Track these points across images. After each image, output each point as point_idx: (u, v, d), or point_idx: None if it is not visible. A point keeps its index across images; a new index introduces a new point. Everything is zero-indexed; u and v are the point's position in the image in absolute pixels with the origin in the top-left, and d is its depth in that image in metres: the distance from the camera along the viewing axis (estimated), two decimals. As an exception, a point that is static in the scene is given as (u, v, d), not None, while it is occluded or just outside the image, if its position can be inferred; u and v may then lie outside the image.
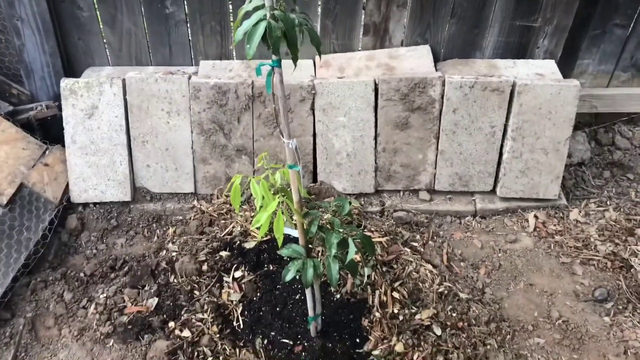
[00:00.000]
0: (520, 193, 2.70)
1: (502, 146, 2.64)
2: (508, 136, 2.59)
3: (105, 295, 2.37)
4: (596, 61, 2.88)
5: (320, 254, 2.30)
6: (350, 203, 1.93)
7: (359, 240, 1.88)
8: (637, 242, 2.55)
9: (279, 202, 1.79)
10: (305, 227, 1.88)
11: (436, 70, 2.74)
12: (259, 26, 1.42)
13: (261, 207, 1.81)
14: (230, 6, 2.73)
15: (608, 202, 2.77)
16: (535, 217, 2.71)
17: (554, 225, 2.67)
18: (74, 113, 2.59)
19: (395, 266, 2.40)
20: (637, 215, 2.68)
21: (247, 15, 1.48)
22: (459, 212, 2.74)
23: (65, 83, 2.58)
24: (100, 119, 2.60)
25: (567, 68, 2.84)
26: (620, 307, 2.31)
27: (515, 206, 2.74)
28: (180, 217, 2.74)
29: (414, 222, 2.70)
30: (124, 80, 2.58)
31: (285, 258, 1.94)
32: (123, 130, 2.63)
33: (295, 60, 1.53)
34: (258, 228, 1.77)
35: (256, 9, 1.51)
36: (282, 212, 1.79)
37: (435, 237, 2.65)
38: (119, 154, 2.65)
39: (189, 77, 2.59)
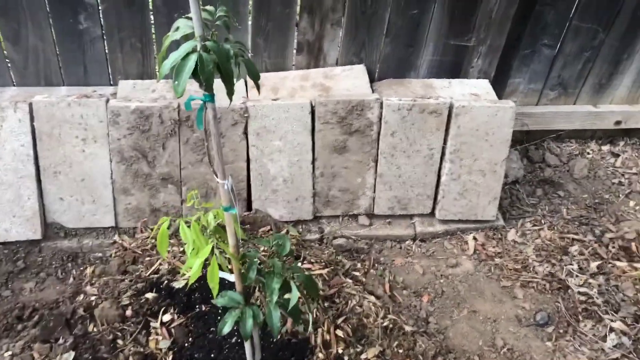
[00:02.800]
0: (459, 215, 2.67)
1: (440, 168, 2.59)
2: (446, 158, 2.55)
3: (10, 353, 2.07)
4: (526, 80, 2.91)
5: (258, 299, 2.13)
6: (288, 239, 1.78)
7: (301, 283, 1.74)
8: (571, 261, 2.58)
9: (213, 246, 1.62)
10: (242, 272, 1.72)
11: (372, 90, 2.65)
12: (189, 60, 1.25)
13: (192, 250, 1.64)
14: (152, 21, 2.51)
15: (542, 221, 2.79)
16: (475, 239, 2.69)
17: (493, 247, 2.66)
18: (-29, 142, 2.27)
19: (337, 300, 2.28)
20: (569, 233, 2.72)
21: (174, 45, 1.31)
22: (399, 236, 2.67)
23: (-41, 108, 2.25)
24: (3, 149, 2.29)
25: (499, 87, 2.85)
26: (561, 330, 2.31)
27: (454, 228, 2.70)
28: (100, 255, 2.48)
29: (354, 249, 2.59)
30: (30, 104, 2.29)
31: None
32: (31, 161, 2.33)
33: (230, 95, 1.37)
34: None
35: (185, 38, 1.34)
36: (216, 258, 1.62)
37: (376, 265, 2.55)
38: (26, 187, 2.35)
39: (107, 100, 2.34)
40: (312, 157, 2.51)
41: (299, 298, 1.69)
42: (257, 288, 2.20)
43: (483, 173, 2.57)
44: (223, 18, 1.36)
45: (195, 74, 1.25)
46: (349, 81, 2.67)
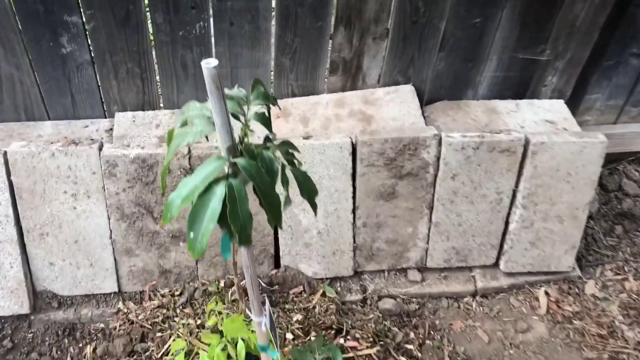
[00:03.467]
0: (528, 267, 2.21)
1: (508, 214, 2.13)
2: (517, 203, 2.08)
3: None
4: (605, 95, 2.41)
5: None
6: (339, 354, 1.36)
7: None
8: (666, 321, 2.13)
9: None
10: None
11: (423, 117, 2.17)
12: (212, 195, 0.81)
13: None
14: (152, 42, 2.03)
15: (626, 268, 2.33)
16: (547, 294, 2.24)
17: (570, 305, 2.21)
18: None
19: (391, 391, 1.86)
20: (660, 283, 2.27)
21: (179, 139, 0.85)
22: (457, 292, 2.23)
23: None
24: (-25, 210, 1.86)
25: (572, 105, 2.35)
26: (667, 421, 1.89)
27: (522, 282, 2.25)
28: (102, 326, 2.07)
29: (405, 312, 2.16)
30: (5, 154, 1.84)
31: None
32: (11, 222, 1.90)
33: (275, 224, 0.92)
34: None
35: (200, 136, 0.88)
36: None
37: (432, 332, 2.12)
38: (7, 253, 1.92)
39: (100, 147, 1.88)
40: (353, 205, 2.06)
41: None
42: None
43: (561, 219, 2.11)
44: (259, 106, 0.90)
45: (222, 220, 0.80)
46: (395, 107, 2.19)
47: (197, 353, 1.93)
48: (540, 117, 2.21)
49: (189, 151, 1.91)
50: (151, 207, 1.96)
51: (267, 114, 0.99)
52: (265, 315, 1.08)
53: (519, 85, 2.29)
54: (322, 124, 2.13)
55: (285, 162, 0.97)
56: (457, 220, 2.11)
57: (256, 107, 0.93)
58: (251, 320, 1.27)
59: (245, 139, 0.92)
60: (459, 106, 2.26)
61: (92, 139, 1.89)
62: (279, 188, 0.94)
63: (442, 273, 2.25)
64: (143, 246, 2.03)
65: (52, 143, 1.87)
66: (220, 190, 0.81)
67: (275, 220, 0.90)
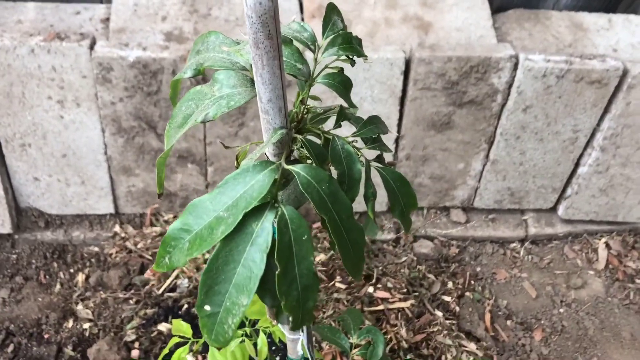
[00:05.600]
0: (592, 215, 1.90)
1: (581, 156, 1.78)
2: (595, 145, 1.72)
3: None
4: None
5: None
6: (383, 340, 1.08)
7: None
8: None
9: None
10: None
11: (494, 28, 1.74)
12: (249, 240, 0.45)
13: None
14: None
15: (700, 222, 2.02)
16: (607, 246, 1.95)
17: (634, 260, 1.93)
18: None
19: (425, 352, 1.63)
20: None
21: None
22: (504, 237, 1.94)
23: None
24: (-60, 113, 1.51)
25: (672, 23, 1.90)
26: None
27: (580, 230, 1.96)
28: (96, 249, 1.81)
29: (443, 256, 1.88)
30: (-28, 47, 1.46)
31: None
32: (-16, 130, 1.57)
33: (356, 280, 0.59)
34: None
35: (227, 111, 0.52)
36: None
37: (472, 282, 1.86)
38: (-18, 164, 1.62)
39: (91, 45, 1.49)
40: (397, 134, 1.70)
41: None
42: None
43: (644, 167, 1.76)
44: (333, 57, 0.54)
45: (262, 288, 0.46)
46: (460, 13, 1.75)
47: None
48: (639, 38, 1.78)
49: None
50: (154, 122, 1.61)
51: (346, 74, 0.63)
52: (303, 331, 0.78)
53: (614, -6, 1.83)
54: (368, 31, 1.72)
55: (364, 158, 0.62)
56: (520, 158, 1.76)
57: (330, 59, 0.57)
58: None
59: (305, 118, 0.57)
60: (537, 17, 1.82)
61: (82, 34, 1.50)
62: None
63: (489, 215, 1.94)
64: (144, 165, 1.70)
65: (31, 35, 1.48)
66: (265, 232, 0.46)
67: (354, 273, 0.55)
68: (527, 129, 1.68)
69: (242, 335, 0.95)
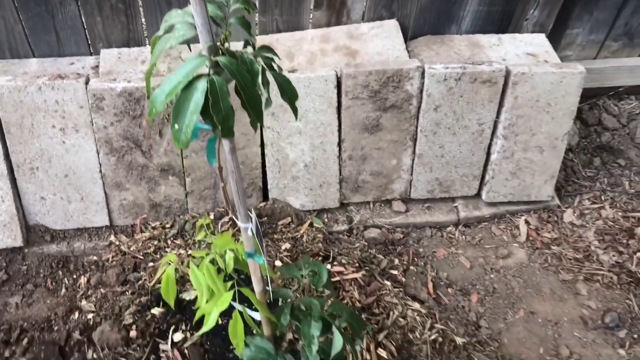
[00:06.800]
0: (509, 197, 2.29)
1: (490, 145, 2.19)
2: (498, 134, 2.14)
3: (0, 387, 1.77)
4: (587, 30, 2.44)
5: (290, 342, 1.79)
6: (325, 268, 1.42)
7: (345, 323, 1.40)
8: None
9: (234, 293, 1.26)
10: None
11: (408, 52, 2.19)
12: (194, 90, 0.84)
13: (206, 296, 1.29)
14: (135, -25, 2.02)
15: (602, 197, 2.42)
16: (527, 222, 2.32)
17: (549, 232, 2.30)
18: None
19: (377, 311, 1.95)
20: (634, 211, 2.36)
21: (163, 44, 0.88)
22: (440, 222, 2.31)
23: None
24: (-35, 145, 1.88)
25: (553, 40, 2.38)
26: (636, 335, 2.00)
27: (503, 211, 2.33)
28: (95, 258, 2.12)
29: (389, 240, 2.24)
30: (-8, 89, 1.85)
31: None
32: (0, 157, 1.92)
33: (255, 126, 0.96)
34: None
35: (183, 40, 0.90)
36: (240, 311, 1.27)
37: (415, 259, 2.20)
38: (-2, 187, 1.96)
39: (87, 81, 1.89)
40: (339, 138, 2.10)
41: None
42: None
43: (541, 149, 2.17)
44: (239, 11, 0.93)
45: (204, 111, 0.84)
46: (379, 42, 2.21)
47: (189, 280, 2.00)
48: (522, 50, 2.24)
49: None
50: (139, 141, 1.99)
51: (245, 22, 1.02)
52: (251, 220, 1.13)
53: (502, 19, 2.31)
54: (308, 59, 2.15)
55: (265, 66, 1.00)
56: (440, 151, 2.17)
57: (236, 7, 0.96)
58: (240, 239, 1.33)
59: (226, 43, 0.95)
60: (442, 41, 2.28)
61: (78, 74, 1.90)
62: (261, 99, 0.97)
63: (425, 204, 2.32)
64: (133, 180, 2.06)
65: (38, 77, 1.88)
66: (202, 85, 0.84)
67: (257, 118, 0.93)
68: (441, 125, 2.10)
69: (213, 259, 1.29)
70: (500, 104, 2.09)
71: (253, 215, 1.16)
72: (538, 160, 2.20)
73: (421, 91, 2.04)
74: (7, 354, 1.86)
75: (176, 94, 0.84)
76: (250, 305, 1.35)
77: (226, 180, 1.10)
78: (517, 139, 2.14)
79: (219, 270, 1.32)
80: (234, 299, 1.26)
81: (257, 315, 1.41)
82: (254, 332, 1.43)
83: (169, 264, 1.30)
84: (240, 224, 1.13)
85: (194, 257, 1.26)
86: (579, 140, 2.61)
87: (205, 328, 1.25)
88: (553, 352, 1.96)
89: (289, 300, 1.36)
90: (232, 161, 1.03)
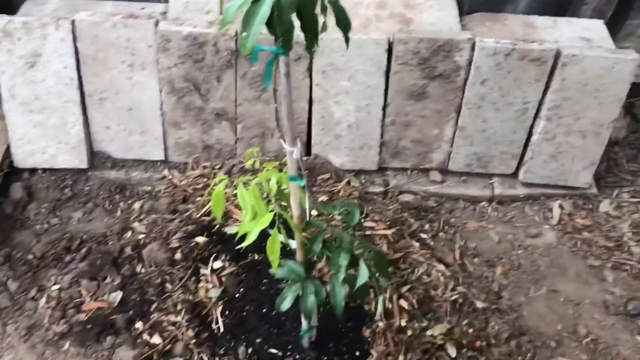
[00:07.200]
0: (546, 179, 2.32)
1: (532, 126, 2.23)
2: (542, 115, 2.17)
3: (59, 286, 1.97)
4: (648, 22, 2.43)
5: (320, 271, 1.91)
6: (358, 208, 1.53)
7: (371, 260, 1.51)
8: (674, 243, 2.23)
9: (275, 214, 1.39)
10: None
11: (462, 27, 2.25)
12: (263, 3, 0.95)
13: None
14: None
15: (643, 193, 2.42)
16: (561, 207, 2.35)
17: (582, 218, 2.32)
18: (11, 61, 2.06)
19: (402, 266, 2.05)
20: (674, 210, 2.35)
21: None
22: (474, 197, 2.37)
23: (-2, 21, 2.02)
24: (46, 70, 2.08)
25: (613, 30, 2.38)
26: (656, 325, 2.02)
27: (538, 193, 2.37)
28: (149, 188, 2.31)
29: (422, 207, 2.32)
30: (73, 22, 2.03)
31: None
32: (75, 85, 2.12)
33: (311, 49, 1.08)
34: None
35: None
36: (279, 229, 1.39)
37: (446, 227, 2.28)
38: (71, 112, 2.16)
39: (156, 23, 2.06)
40: (384, 102, 2.19)
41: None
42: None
43: (583, 135, 2.19)
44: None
45: (269, 24, 0.96)
46: (434, 13, 2.27)
47: (231, 217, 2.16)
48: (577, 34, 2.26)
49: (235, 34, 2.06)
50: (199, 84, 2.14)
51: None
52: (297, 145, 1.25)
53: (560, 3, 2.33)
54: (362, 24, 2.24)
55: None
56: (482, 126, 2.22)
57: None
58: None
59: None
60: (496, 18, 2.33)
61: (150, 15, 2.07)
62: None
63: (462, 177, 2.38)
64: (189, 120, 2.23)
65: (114, 15, 2.05)
66: (268, 1, 0.96)
67: (312, 39, 1.04)
68: (486, 99, 2.15)
69: (259, 183, 1.42)
70: (547, 85, 2.12)
71: (298, 141, 1.28)
72: (579, 146, 2.23)
73: (470, 63, 2.10)
74: (67, 259, 2.07)
75: (245, 6, 0.96)
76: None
77: (279, 103, 1.22)
78: (560, 121, 2.17)
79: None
80: (273, 222, 1.38)
81: (291, 243, 1.54)
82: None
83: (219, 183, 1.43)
84: (286, 146, 1.25)
85: (242, 182, 1.39)
86: (627, 134, 2.60)
87: (246, 242, 1.38)
88: (571, 329, 2.01)
89: (323, 230, 1.48)
90: (286, 85, 1.15)
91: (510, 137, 2.24)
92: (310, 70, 2.12)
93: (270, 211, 1.38)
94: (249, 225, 1.40)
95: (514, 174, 2.37)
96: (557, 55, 2.06)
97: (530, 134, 2.25)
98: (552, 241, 2.27)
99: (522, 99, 2.15)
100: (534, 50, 2.04)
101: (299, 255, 1.54)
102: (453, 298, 1.98)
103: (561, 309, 2.07)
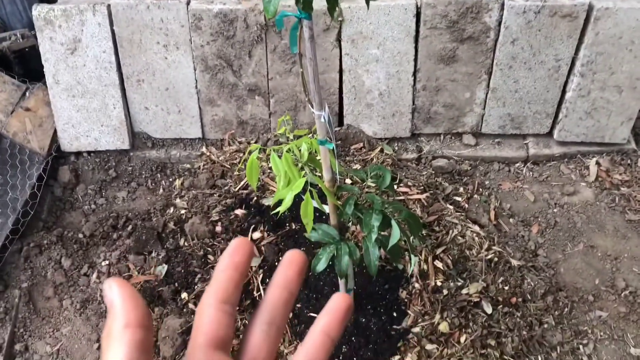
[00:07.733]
0: (582, 137, 2.31)
1: (566, 83, 2.20)
2: (575, 71, 2.15)
3: (108, 262, 2.10)
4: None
5: (353, 233, 1.97)
6: (389, 172, 1.57)
7: (403, 220, 1.55)
8: None
9: (307, 180, 1.44)
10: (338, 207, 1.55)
11: (490, -14, 2.23)
12: None
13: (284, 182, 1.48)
14: None
15: (684, 146, 2.37)
16: (598, 164, 2.34)
17: (620, 174, 2.31)
18: (53, 48, 2.15)
19: (437, 228, 2.08)
20: None
21: None
22: (508, 158, 2.37)
23: (39, 11, 2.11)
24: (86, 55, 2.17)
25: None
26: (698, 278, 2.01)
27: (574, 151, 2.36)
28: (188, 166, 2.40)
29: (456, 171, 2.34)
30: (109, 7, 2.11)
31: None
32: (114, 68, 2.20)
33: (333, 12, 1.11)
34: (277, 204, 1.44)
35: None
36: (311, 194, 1.45)
37: (480, 189, 2.30)
38: (111, 95, 2.25)
39: (188, 2, 2.11)
40: (414, 67, 2.20)
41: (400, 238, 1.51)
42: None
43: (619, 89, 2.16)
44: None
45: None
46: (462, -25, 2.25)
47: (268, 189, 2.23)
48: (610, -13, 2.21)
49: (266, 8, 2.10)
50: (231, 61, 2.20)
51: None
52: (325, 109, 1.30)
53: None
54: (390, -10, 2.25)
55: None
56: (514, 86, 2.21)
57: None
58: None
59: None
60: (526, -24, 2.29)
61: (181, -5, 2.13)
62: None
63: (495, 139, 2.39)
64: (224, 97, 2.29)
65: (147, -3, 2.12)
66: None
67: (333, 2, 1.08)
68: (517, 59, 2.14)
69: (290, 150, 1.47)
70: (580, 40, 2.09)
71: (325, 105, 1.32)
72: (615, 101, 2.20)
73: (499, 24, 2.08)
74: (114, 236, 2.18)
75: None
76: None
77: (305, 68, 1.26)
78: (594, 77, 2.15)
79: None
80: (305, 187, 1.44)
81: (324, 208, 1.60)
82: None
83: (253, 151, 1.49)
84: (314, 111, 1.30)
85: (274, 149, 1.45)
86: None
87: (282, 208, 1.44)
88: (609, 283, 2.02)
89: (355, 193, 1.53)
90: (311, 49, 1.19)
91: (544, 96, 2.23)
92: (339, 39, 2.14)
93: (303, 177, 1.44)
94: (283, 192, 1.46)
95: (549, 133, 2.36)
96: (590, 9, 2.03)
97: (564, 92, 2.23)
98: (589, 198, 2.26)
99: (554, 57, 2.13)
100: (565, 6, 2.01)
101: (332, 219, 1.60)
102: (488, 257, 2.01)
103: (599, 264, 2.07)
